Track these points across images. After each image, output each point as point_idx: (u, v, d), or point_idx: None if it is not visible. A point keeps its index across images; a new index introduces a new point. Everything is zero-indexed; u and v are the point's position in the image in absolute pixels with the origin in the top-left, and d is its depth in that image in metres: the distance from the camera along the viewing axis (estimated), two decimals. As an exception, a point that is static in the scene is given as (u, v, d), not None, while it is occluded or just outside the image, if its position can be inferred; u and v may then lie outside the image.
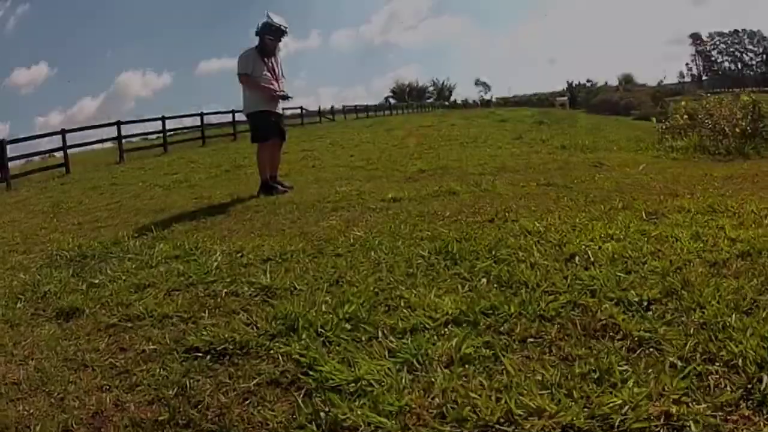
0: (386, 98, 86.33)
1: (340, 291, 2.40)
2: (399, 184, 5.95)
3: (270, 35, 6.00)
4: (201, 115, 19.95)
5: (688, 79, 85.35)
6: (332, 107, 34.34)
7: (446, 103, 68.98)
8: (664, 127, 10.75)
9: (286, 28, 6.07)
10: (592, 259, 2.48)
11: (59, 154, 15.29)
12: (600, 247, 2.62)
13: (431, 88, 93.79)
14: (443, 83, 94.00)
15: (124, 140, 17.05)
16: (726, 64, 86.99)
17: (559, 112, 39.96)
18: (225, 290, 2.57)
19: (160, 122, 18.11)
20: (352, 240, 3.20)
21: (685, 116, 10.55)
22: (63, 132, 15.08)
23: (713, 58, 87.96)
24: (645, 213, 3.38)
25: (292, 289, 2.49)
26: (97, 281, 3.12)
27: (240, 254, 3.18)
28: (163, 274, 3.02)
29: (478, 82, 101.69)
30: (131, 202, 6.97)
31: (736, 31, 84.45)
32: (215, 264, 3.02)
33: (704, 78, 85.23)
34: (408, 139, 12.96)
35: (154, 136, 18.70)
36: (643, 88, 78.52)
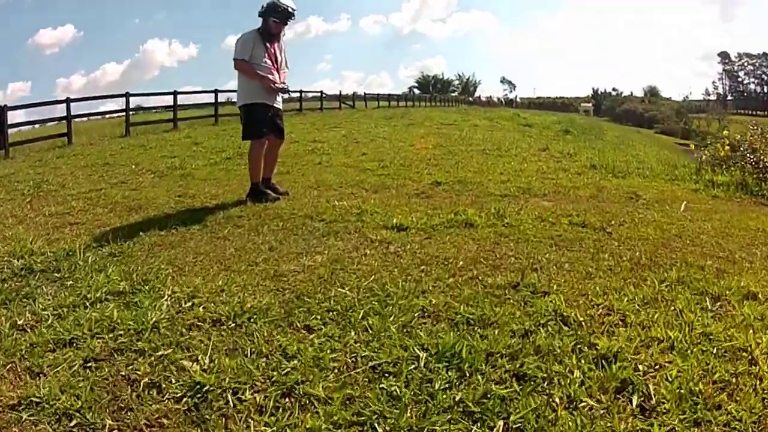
0: (410, 88, 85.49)
1: (292, 418, 1.68)
2: (409, 201, 5.22)
3: (275, 17, 5.27)
4: (215, 92, 19.27)
5: (713, 97, 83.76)
6: (353, 93, 33.57)
7: (470, 98, 67.90)
8: (703, 157, 9.85)
9: (294, 10, 5.33)
10: (653, 397, 1.75)
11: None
12: (662, 373, 1.88)
13: (456, 82, 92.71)
14: (468, 78, 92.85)
15: (132, 113, 16.50)
16: (752, 86, 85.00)
17: (585, 120, 38.93)
18: (146, 377, 1.87)
19: (171, 96, 17.45)
20: (331, 303, 2.48)
21: (727, 147, 9.64)
22: (68, 101, 14.49)
23: (740, 79, 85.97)
24: (707, 297, 2.63)
25: (226, 399, 1.77)
26: (21, 321, 2.47)
27: (190, 304, 2.49)
28: (93, 325, 2.34)
29: (503, 80, 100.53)
30: (113, 191, 6.32)
31: (765, 53, 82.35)
32: (154, 318, 2.33)
33: (729, 98, 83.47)
34: (427, 139, 12.17)
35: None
36: (667, 101, 77.34)
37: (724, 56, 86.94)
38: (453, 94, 78.08)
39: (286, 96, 5.61)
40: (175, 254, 3.39)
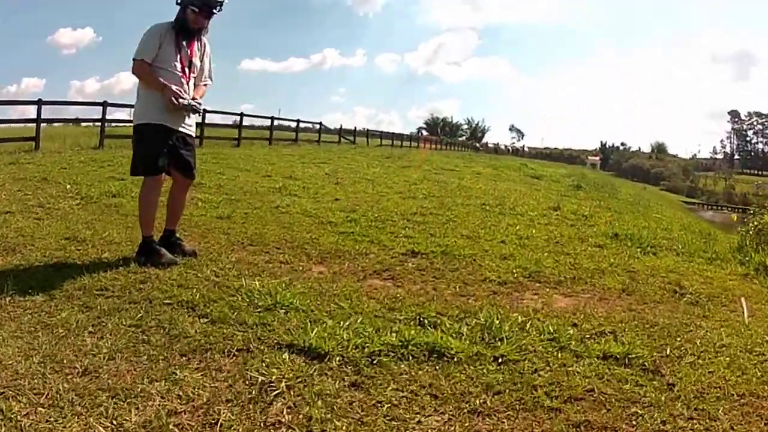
0: (419, 129, 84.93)
1: None
2: (359, 288, 3.50)
3: (194, 4, 3.68)
4: (204, 112, 17.84)
5: (720, 155, 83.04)
6: (354, 129, 32.19)
7: (477, 144, 66.91)
8: (750, 231, 8.12)
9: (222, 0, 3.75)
10: None
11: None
12: None
13: (465, 127, 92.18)
14: (477, 124, 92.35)
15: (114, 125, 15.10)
16: (760, 145, 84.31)
17: (594, 175, 37.57)
18: None
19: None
20: None
21: (782, 217, 7.98)
22: (39, 103, 13.12)
23: (748, 138, 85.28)
24: None
25: None
26: None
27: None
28: None
29: (512, 128, 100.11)
30: (14, 219, 4.77)
31: None
32: None
33: (736, 157, 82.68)
34: (419, 186, 10.54)
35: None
36: (674, 158, 76.61)
37: (734, 115, 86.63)
38: (461, 138, 77.28)
39: (196, 117, 3.97)
40: None
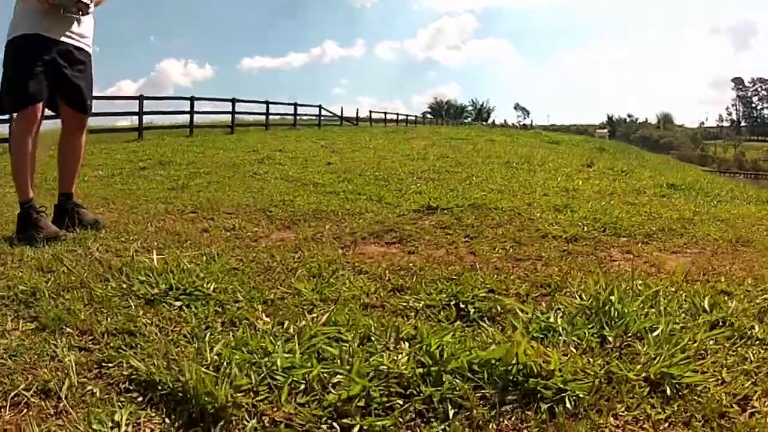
0: (423, 113, 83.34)
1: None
2: (342, 256, 2.08)
3: None
4: (191, 99, 16.46)
5: (726, 123, 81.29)
6: (357, 111, 30.63)
7: (484, 123, 65.05)
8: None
9: None
10: None
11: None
12: None
13: (470, 108, 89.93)
14: (482, 104, 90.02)
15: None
16: (766, 111, 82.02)
17: (610, 143, 35.79)
18: None
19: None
20: None
21: None
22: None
23: (753, 105, 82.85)
24: None
25: None
26: None
27: None
28: None
29: (517, 107, 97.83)
30: None
31: None
32: None
33: (743, 124, 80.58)
34: (429, 149, 9.07)
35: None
36: (680, 128, 74.87)
37: (738, 82, 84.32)
38: (467, 120, 75.36)
39: (90, 23, 2.63)
40: None
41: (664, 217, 3.64)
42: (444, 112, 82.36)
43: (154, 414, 0.93)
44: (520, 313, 1.32)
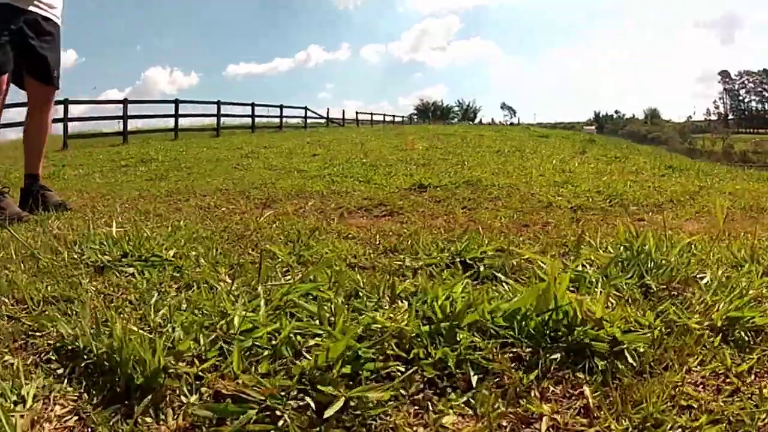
0: (410, 115, 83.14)
1: None
2: (327, 225, 1.85)
3: None
4: (176, 102, 16.13)
5: (714, 116, 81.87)
6: (343, 112, 30.32)
7: (471, 123, 65.00)
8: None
9: None
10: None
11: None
12: None
13: (456, 108, 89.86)
14: (469, 104, 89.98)
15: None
16: (753, 103, 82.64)
17: (597, 135, 35.82)
18: None
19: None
20: None
21: None
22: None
23: (740, 97, 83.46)
24: None
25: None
26: None
27: None
28: None
29: (503, 106, 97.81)
30: None
31: (765, 70, 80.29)
32: None
33: (731, 117, 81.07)
34: (418, 142, 8.85)
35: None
36: (667, 123, 75.18)
37: (724, 75, 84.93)
38: (453, 121, 75.32)
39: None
40: None
41: (669, 191, 3.46)
42: (431, 113, 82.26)
43: (70, 388, 0.70)
44: (542, 265, 1.09)
